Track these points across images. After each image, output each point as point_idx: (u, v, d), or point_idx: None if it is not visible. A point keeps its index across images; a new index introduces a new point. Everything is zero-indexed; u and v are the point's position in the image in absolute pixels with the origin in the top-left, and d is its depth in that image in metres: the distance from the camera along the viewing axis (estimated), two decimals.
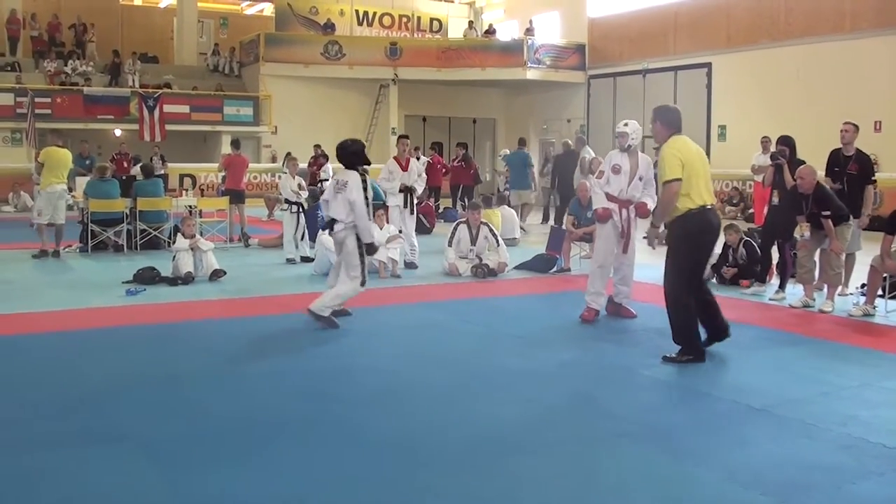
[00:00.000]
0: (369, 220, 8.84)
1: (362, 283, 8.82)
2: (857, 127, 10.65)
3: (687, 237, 7.44)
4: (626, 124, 9.47)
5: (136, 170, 18.97)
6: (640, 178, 9.37)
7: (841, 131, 10.62)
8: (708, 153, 26.30)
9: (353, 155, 8.96)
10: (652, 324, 8.89)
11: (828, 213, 9.81)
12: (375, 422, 5.79)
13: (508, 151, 23.13)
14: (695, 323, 7.49)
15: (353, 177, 8.77)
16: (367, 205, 8.74)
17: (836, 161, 10.66)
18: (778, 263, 11.04)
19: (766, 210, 11.93)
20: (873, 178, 10.70)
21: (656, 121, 7.88)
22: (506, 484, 4.79)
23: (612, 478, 4.91)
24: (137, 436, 5.47)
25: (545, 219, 21.55)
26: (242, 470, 4.88)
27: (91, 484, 4.71)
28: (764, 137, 17.81)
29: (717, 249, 11.65)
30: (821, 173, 10.31)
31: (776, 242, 11.02)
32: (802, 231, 10.43)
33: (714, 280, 11.63)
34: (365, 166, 9.00)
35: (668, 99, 27.70)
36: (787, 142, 11.14)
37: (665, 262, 7.55)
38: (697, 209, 7.35)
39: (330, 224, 8.90)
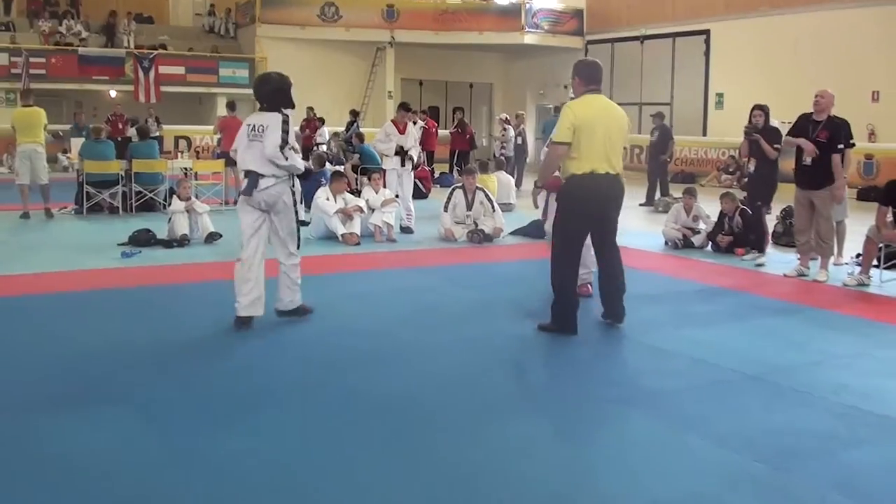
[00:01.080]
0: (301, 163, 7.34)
1: (298, 247, 7.50)
2: (832, 96, 9.96)
3: (569, 201, 7.19)
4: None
5: (131, 131, 18.90)
6: None
7: (815, 97, 9.97)
8: (705, 121, 26.39)
9: (277, 92, 7.26)
10: (645, 290, 8.88)
11: (842, 145, 9.64)
12: (368, 385, 5.81)
13: (506, 116, 22.98)
14: (568, 295, 7.24)
15: (275, 119, 7.10)
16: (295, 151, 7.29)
17: (803, 128, 9.96)
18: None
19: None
20: (850, 143, 10.00)
21: (574, 76, 7.46)
22: (497, 447, 4.81)
23: (603, 443, 4.94)
24: (132, 398, 5.48)
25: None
26: (236, 433, 4.90)
27: (88, 443, 4.73)
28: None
29: (714, 217, 11.75)
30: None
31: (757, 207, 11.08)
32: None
33: (710, 248, 11.68)
34: (289, 109, 7.27)
35: (667, 66, 27.67)
36: (762, 108, 11.10)
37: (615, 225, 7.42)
38: (585, 174, 7.03)
39: (252, 183, 7.12)
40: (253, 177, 7.10)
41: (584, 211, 7.14)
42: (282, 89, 7.27)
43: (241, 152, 7.25)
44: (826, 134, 9.72)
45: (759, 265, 10.69)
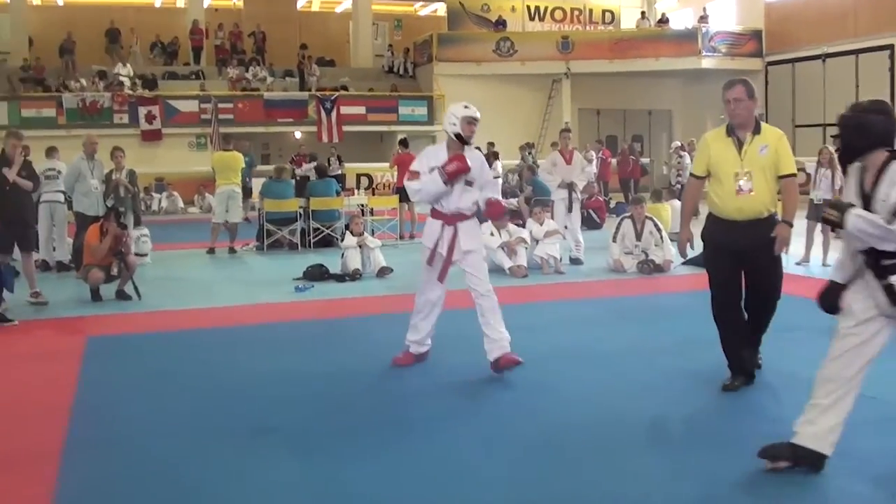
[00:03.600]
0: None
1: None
2: None
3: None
4: (466, 107, 6.84)
5: (308, 168, 19.53)
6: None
7: None
8: None
9: None
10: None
11: None
12: (520, 420, 5.78)
13: (681, 143, 22.60)
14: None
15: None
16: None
17: None
18: None
19: None
20: None
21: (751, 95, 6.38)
22: (641, 484, 4.69)
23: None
24: (285, 428, 5.64)
25: None
26: (377, 465, 4.95)
27: (236, 472, 4.90)
28: None
29: None
30: None
31: None
32: None
33: None
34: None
35: (850, 84, 26.58)
36: None
37: (775, 266, 6.48)
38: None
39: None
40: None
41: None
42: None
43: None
44: None
45: None
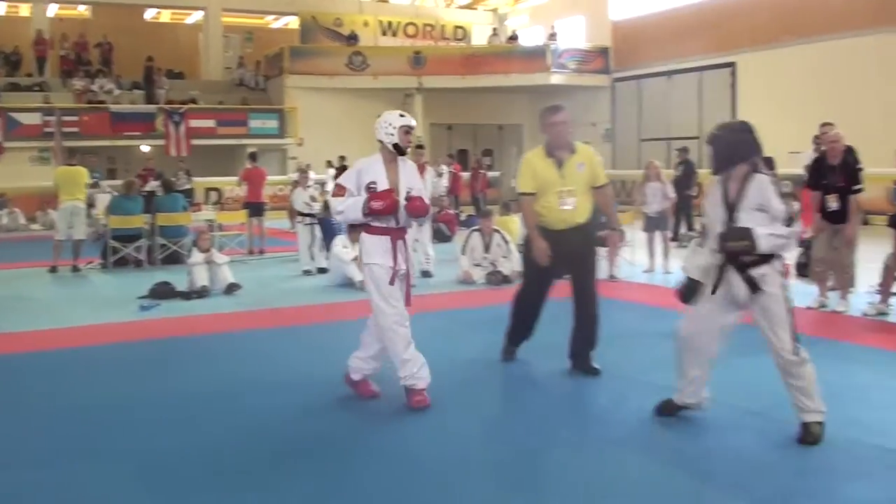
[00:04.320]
0: None
1: None
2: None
3: None
4: (402, 115, 6.63)
5: (153, 184, 19.12)
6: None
7: (828, 142, 9.83)
8: None
9: None
10: (660, 328, 8.75)
11: (859, 187, 9.41)
12: (379, 438, 5.80)
13: None
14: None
15: None
16: None
17: (821, 175, 9.78)
18: None
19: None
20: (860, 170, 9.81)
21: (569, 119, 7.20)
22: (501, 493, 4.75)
23: (599, 485, 4.85)
24: (132, 453, 5.47)
25: None
26: (236, 494, 4.83)
27: (77, 500, 4.72)
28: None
29: None
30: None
31: None
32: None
33: None
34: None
35: (694, 100, 27.58)
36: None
37: (590, 268, 7.33)
38: None
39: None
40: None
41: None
42: None
43: None
44: (843, 178, 9.53)
45: None
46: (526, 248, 7.40)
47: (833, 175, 9.59)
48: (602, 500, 4.62)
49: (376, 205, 6.21)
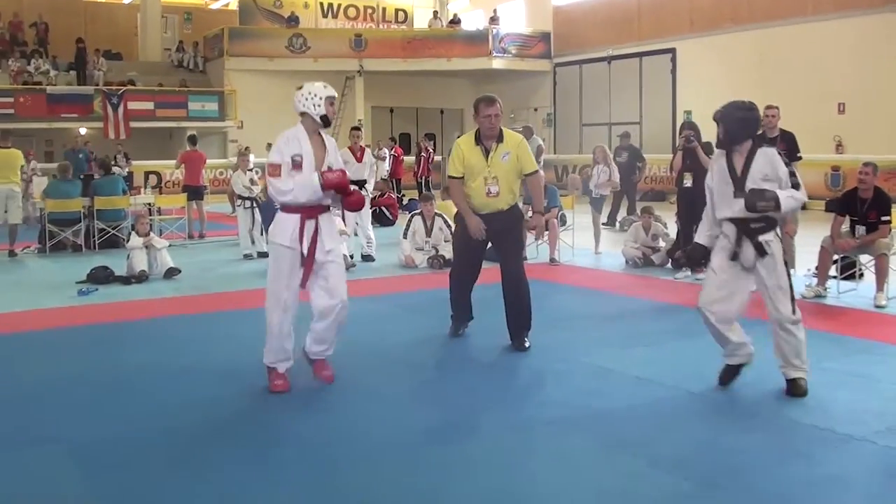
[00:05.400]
0: None
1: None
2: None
3: None
4: (325, 86, 6.38)
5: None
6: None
7: (767, 116, 10.14)
8: (674, 139, 26.44)
9: None
10: (600, 310, 8.86)
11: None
12: (298, 423, 5.78)
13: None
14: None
15: None
16: None
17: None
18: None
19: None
20: (797, 156, 10.29)
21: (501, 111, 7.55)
22: (435, 471, 4.77)
23: (536, 465, 4.89)
24: (66, 438, 5.41)
25: None
26: (171, 475, 4.82)
27: (10, 485, 4.67)
28: None
29: (672, 234, 11.77)
30: None
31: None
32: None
33: (670, 265, 11.68)
34: None
35: (634, 85, 27.79)
36: (692, 127, 11.19)
37: (513, 248, 7.73)
38: None
39: None
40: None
41: None
42: None
43: None
44: (784, 146, 9.61)
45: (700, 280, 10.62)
46: (457, 226, 7.83)
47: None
48: (541, 479, 4.65)
49: (333, 177, 6.13)
